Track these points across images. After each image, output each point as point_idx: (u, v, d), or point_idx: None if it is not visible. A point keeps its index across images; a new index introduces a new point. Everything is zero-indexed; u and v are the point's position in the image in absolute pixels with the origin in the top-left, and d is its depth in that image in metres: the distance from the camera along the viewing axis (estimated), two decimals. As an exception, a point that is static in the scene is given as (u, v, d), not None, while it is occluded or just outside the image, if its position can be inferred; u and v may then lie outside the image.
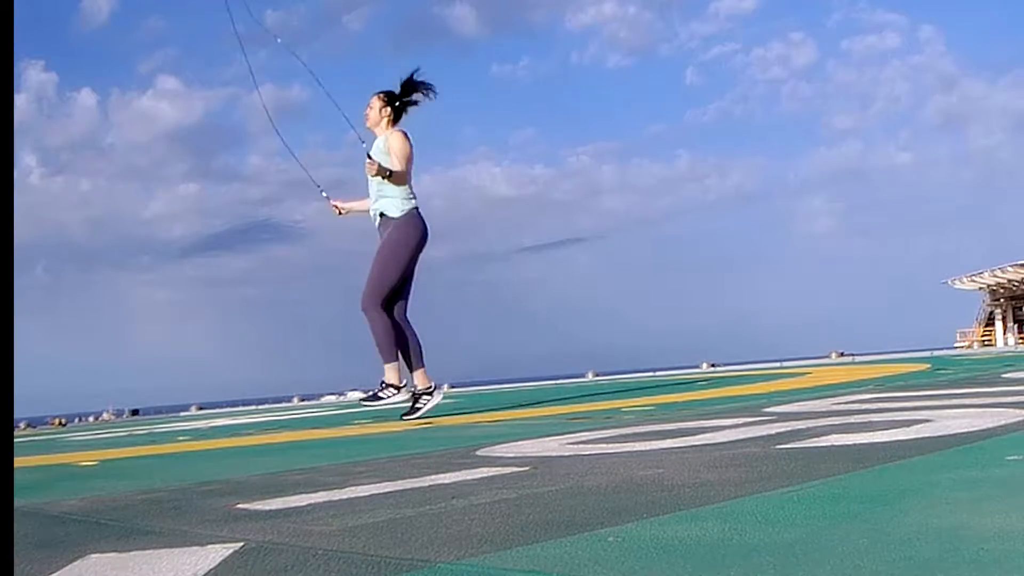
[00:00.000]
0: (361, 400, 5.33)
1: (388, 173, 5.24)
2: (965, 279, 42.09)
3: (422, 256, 5.40)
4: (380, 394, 5.27)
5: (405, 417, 5.20)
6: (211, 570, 1.26)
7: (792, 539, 1.18)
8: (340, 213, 5.72)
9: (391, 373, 5.28)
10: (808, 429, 2.61)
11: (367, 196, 5.59)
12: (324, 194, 5.71)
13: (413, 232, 5.34)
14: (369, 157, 5.29)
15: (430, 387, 5.37)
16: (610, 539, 1.27)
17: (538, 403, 6.67)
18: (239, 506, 1.90)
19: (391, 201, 5.35)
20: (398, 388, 5.31)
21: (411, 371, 5.38)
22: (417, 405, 5.28)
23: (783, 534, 1.21)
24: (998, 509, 1.26)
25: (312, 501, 1.86)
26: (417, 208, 5.39)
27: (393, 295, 5.30)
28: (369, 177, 5.39)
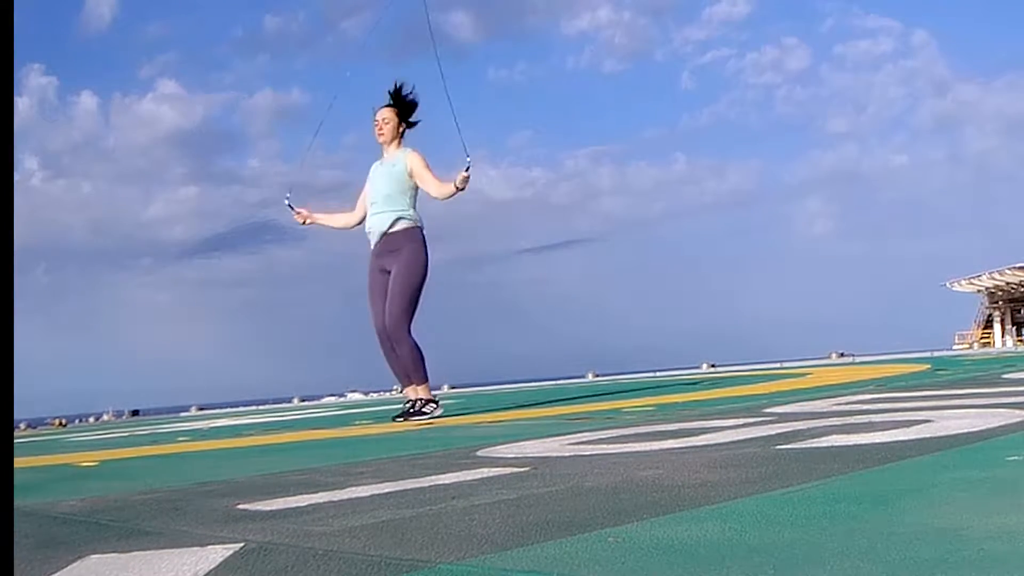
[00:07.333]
0: (396, 418, 5.30)
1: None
2: (963, 282, 42.14)
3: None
4: (424, 409, 5.30)
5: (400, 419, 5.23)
6: (211, 570, 1.26)
7: (792, 539, 1.18)
8: (304, 223, 5.70)
9: (424, 392, 5.35)
10: (808, 430, 2.61)
11: (347, 209, 5.59)
12: (287, 197, 5.64)
13: (424, 252, 5.39)
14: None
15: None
16: (610, 539, 1.26)
17: (539, 403, 6.67)
18: (239, 506, 1.90)
19: (408, 216, 5.38)
20: (436, 401, 5.41)
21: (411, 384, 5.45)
22: (424, 410, 5.32)
23: (783, 534, 1.21)
24: (998, 509, 1.26)
25: (312, 501, 1.86)
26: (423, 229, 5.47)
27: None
28: (382, 188, 5.38)
